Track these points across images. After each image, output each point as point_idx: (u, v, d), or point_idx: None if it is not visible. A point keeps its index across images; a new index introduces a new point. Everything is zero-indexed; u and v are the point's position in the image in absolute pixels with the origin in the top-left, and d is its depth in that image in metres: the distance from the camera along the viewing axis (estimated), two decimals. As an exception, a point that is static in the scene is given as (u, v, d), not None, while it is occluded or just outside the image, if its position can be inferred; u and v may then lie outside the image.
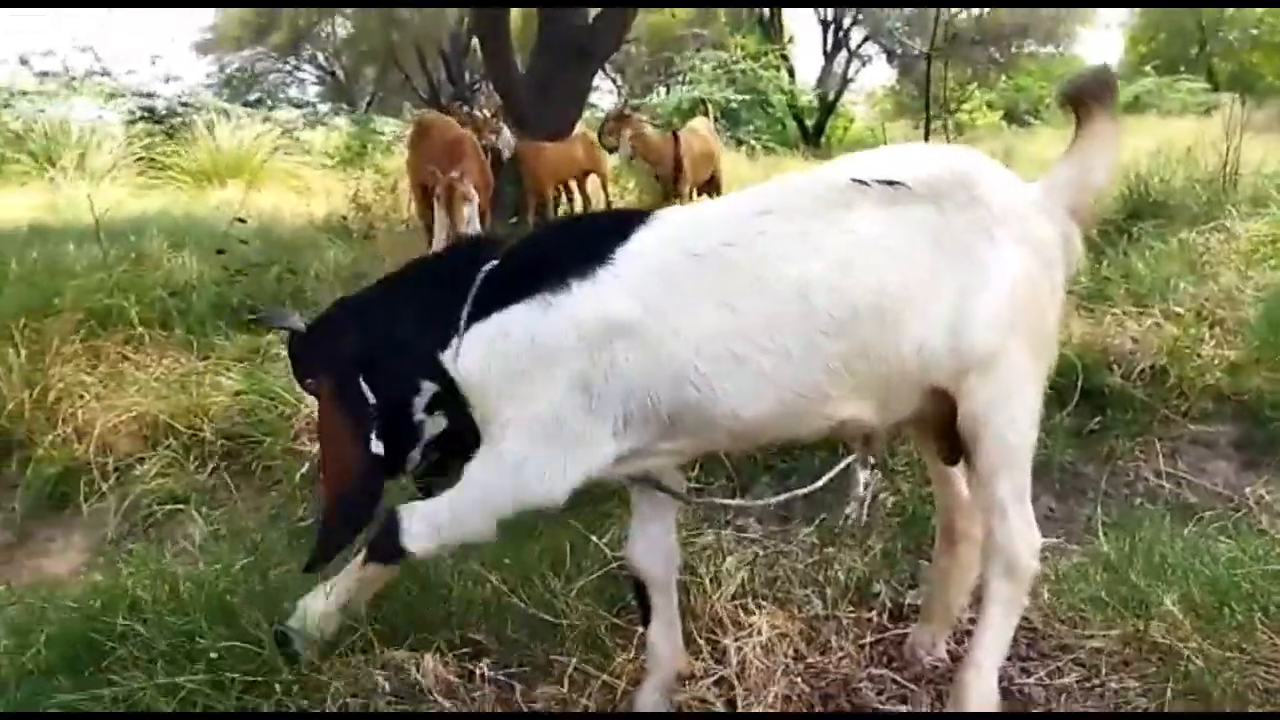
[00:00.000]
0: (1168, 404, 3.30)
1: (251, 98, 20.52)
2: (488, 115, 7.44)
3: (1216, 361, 3.42)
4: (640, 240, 1.79)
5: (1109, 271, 4.26)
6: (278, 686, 1.92)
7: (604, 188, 8.74)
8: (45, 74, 14.34)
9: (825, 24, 21.81)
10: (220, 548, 2.68)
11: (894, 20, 20.58)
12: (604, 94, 20.58)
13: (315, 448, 3.13)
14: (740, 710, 2.00)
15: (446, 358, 1.84)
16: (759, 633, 2.16)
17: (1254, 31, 21.47)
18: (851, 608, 2.34)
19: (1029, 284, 1.76)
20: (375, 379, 1.87)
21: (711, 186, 8.03)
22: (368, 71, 24.29)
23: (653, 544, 2.03)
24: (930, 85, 8.88)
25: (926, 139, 8.64)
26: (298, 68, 24.08)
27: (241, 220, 5.69)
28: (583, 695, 2.03)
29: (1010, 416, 1.78)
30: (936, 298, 1.73)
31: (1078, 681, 2.08)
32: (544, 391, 1.74)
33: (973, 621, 2.10)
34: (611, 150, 8.06)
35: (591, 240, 1.83)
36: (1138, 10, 23.85)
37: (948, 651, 2.17)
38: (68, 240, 5.69)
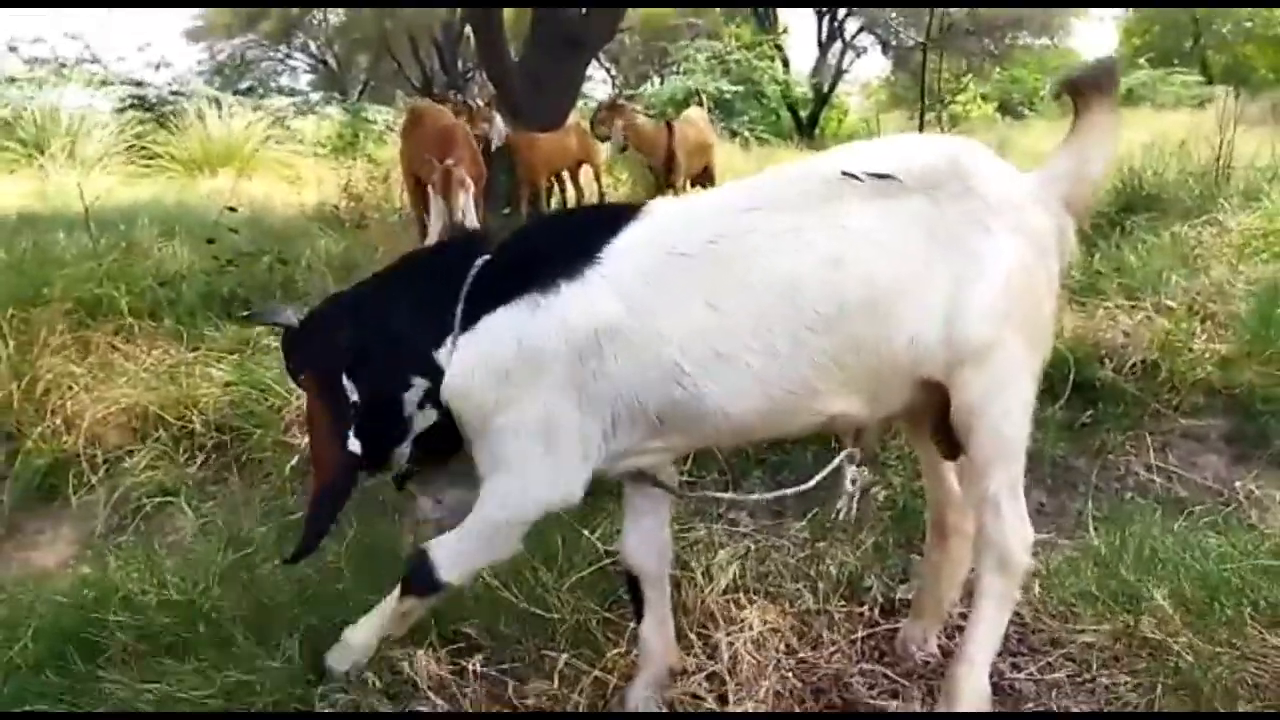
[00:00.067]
0: (1159, 398, 3.30)
1: (243, 86, 20.39)
2: (482, 104, 7.40)
3: (1208, 355, 3.42)
4: (628, 237, 1.78)
5: (1101, 265, 4.26)
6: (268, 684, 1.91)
7: (597, 178, 8.71)
8: (34, 61, 14.22)
9: (820, 14, 21.73)
10: (210, 541, 2.66)
11: (889, 11, 20.53)
12: (597, 84, 20.49)
13: (306, 441, 3.11)
14: (731, 705, 2.00)
15: (441, 356, 1.83)
16: (750, 627, 2.17)
17: (1248, 25, 21.44)
18: (843, 602, 2.34)
19: (1024, 275, 1.75)
20: (365, 375, 1.86)
21: (706, 177, 8.00)
22: (360, 60, 24.14)
23: (646, 538, 2.02)
24: (925, 76, 8.85)
25: (921, 130, 8.63)
26: (289, 55, 23.92)
27: (232, 209, 5.66)
28: (574, 691, 2.03)
29: (1005, 408, 1.77)
30: (929, 290, 1.72)
31: (1068, 677, 2.09)
32: (534, 394, 1.73)
33: (964, 616, 2.10)
34: (604, 140, 8.02)
35: (580, 237, 1.82)
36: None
37: (939, 646, 2.17)
38: (57, 229, 5.64)
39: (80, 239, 5.12)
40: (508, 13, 8.50)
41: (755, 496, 2.68)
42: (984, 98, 21.03)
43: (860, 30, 21.92)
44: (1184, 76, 19.41)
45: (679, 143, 7.71)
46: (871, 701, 2.05)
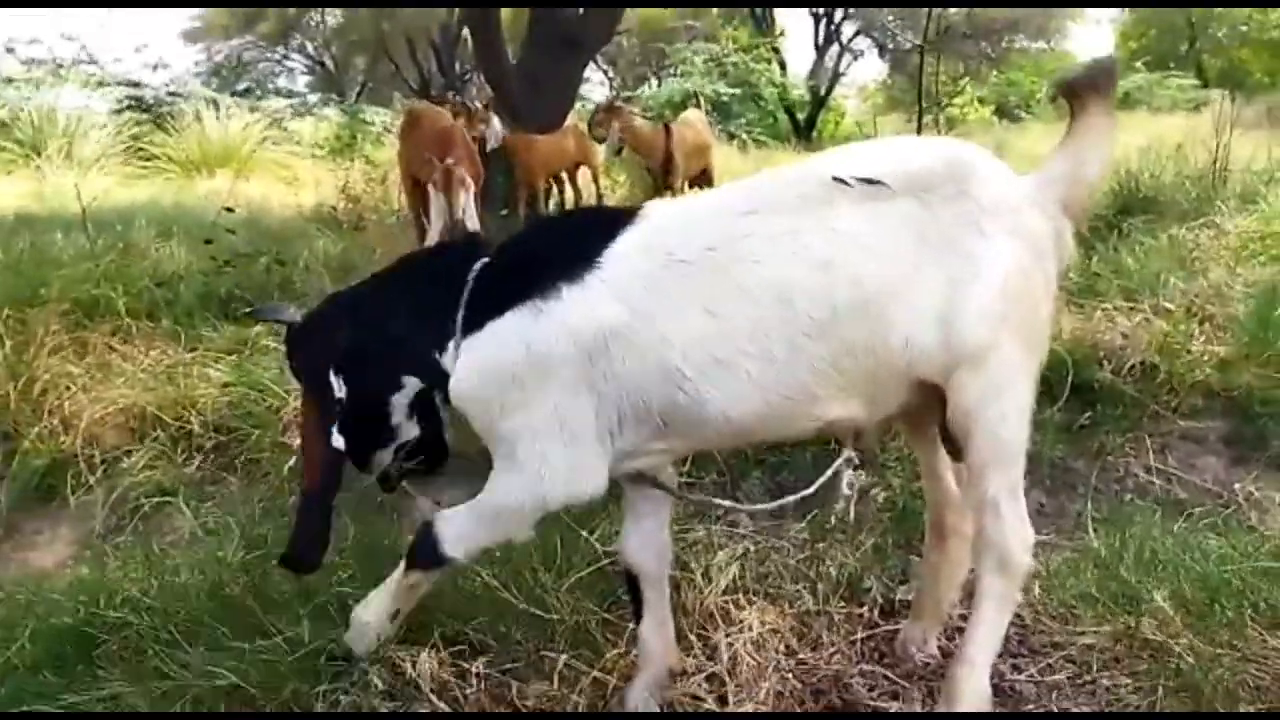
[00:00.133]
0: (1157, 400, 3.31)
1: (240, 87, 20.38)
2: (480, 106, 7.40)
3: (1206, 357, 3.43)
4: (627, 241, 1.78)
5: (1099, 267, 4.27)
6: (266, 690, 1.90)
7: (595, 180, 8.72)
8: (32, 61, 14.21)
9: (817, 17, 21.76)
10: (209, 541, 2.66)
11: (886, 14, 20.57)
12: (595, 86, 20.53)
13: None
14: (731, 706, 1.99)
15: (446, 361, 1.84)
16: (750, 628, 2.16)
17: (1243, 28, 21.53)
18: (843, 603, 2.34)
19: (1021, 276, 1.75)
20: (356, 373, 1.87)
21: (704, 179, 8.00)
22: (358, 61, 24.14)
23: (646, 539, 2.02)
24: (923, 79, 8.87)
25: (919, 133, 8.64)
26: (286, 57, 23.93)
27: (230, 210, 5.66)
28: (574, 691, 2.03)
29: (1002, 411, 1.77)
30: (921, 292, 1.71)
31: (1069, 678, 2.09)
32: (545, 396, 1.74)
33: (964, 617, 2.10)
34: (601, 141, 8.03)
35: (579, 241, 1.82)
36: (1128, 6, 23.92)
37: (939, 648, 2.17)
38: (54, 229, 5.64)
39: (77, 240, 5.12)
40: (505, 14, 8.49)
41: (758, 507, 2.67)
42: (981, 101, 21.08)
43: (857, 33, 21.97)
44: (1180, 80, 19.48)
45: (677, 145, 7.71)
46: (871, 703, 2.05)
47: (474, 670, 2.05)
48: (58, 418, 3.41)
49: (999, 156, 1.90)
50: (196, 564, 2.37)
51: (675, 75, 18.64)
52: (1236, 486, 2.97)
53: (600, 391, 1.74)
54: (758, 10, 21.52)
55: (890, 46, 21.77)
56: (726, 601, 2.29)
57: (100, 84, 13.98)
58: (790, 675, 2.08)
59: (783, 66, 20.55)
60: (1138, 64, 20.61)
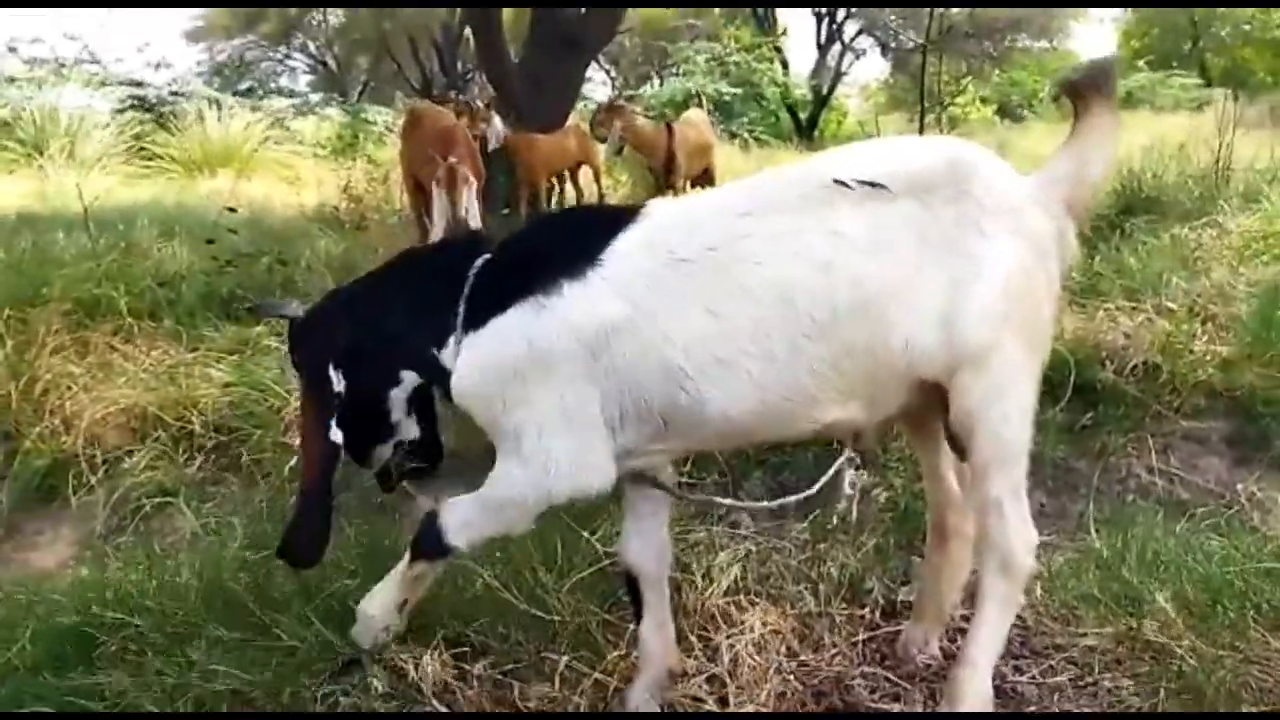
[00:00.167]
0: (1160, 400, 3.30)
1: (242, 87, 20.39)
2: (482, 105, 7.40)
3: (1209, 357, 3.42)
4: (629, 239, 1.78)
5: (1101, 266, 4.26)
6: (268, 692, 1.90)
7: (596, 180, 8.71)
8: (34, 61, 14.22)
9: (819, 17, 21.74)
10: (210, 541, 2.66)
11: (888, 14, 20.55)
12: (597, 85, 20.50)
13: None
14: (732, 708, 1.99)
15: (445, 357, 1.84)
16: (751, 630, 2.16)
17: (1246, 28, 21.49)
18: (844, 604, 2.34)
19: (1023, 277, 1.75)
20: (355, 367, 1.87)
21: (706, 179, 8.00)
22: (360, 61, 24.15)
23: (646, 540, 2.02)
24: (925, 79, 8.85)
25: (921, 133, 8.63)
26: (289, 56, 23.93)
27: (232, 210, 5.66)
28: (575, 693, 2.02)
29: (1004, 412, 1.76)
30: (921, 292, 1.71)
31: (1071, 680, 2.08)
32: (548, 392, 1.74)
33: (966, 619, 2.10)
34: (604, 141, 8.03)
35: (581, 238, 1.82)
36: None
37: (941, 649, 2.16)
38: (56, 229, 5.64)
39: (79, 239, 5.12)
40: (507, 14, 8.50)
41: (759, 505, 2.67)
42: (983, 100, 21.04)
43: (859, 33, 21.94)
44: (1183, 79, 19.44)
45: (679, 144, 7.71)
46: (873, 705, 2.04)
47: (475, 672, 2.05)
48: (59, 418, 3.41)
49: (1001, 156, 1.90)
50: (197, 564, 2.37)
51: (677, 75, 18.64)
52: (1239, 487, 2.97)
53: (602, 387, 1.74)
54: (760, 10, 21.50)
55: (892, 46, 21.74)
56: (728, 603, 2.28)
57: (103, 83, 13.99)
58: (791, 677, 2.08)
59: (785, 66, 20.52)
60: (1140, 63, 20.59)
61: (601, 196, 8.61)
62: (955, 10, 17.54)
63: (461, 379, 1.81)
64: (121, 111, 12.93)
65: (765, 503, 2.51)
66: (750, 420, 1.76)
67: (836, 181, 1.74)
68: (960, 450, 1.89)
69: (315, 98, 19.13)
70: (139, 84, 14.59)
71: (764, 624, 2.19)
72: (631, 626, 2.09)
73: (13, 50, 14.26)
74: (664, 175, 7.79)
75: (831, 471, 2.45)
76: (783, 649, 2.15)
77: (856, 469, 2.88)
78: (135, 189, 9.30)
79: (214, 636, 1.99)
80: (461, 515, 1.83)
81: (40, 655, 2.09)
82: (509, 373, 1.75)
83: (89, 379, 3.61)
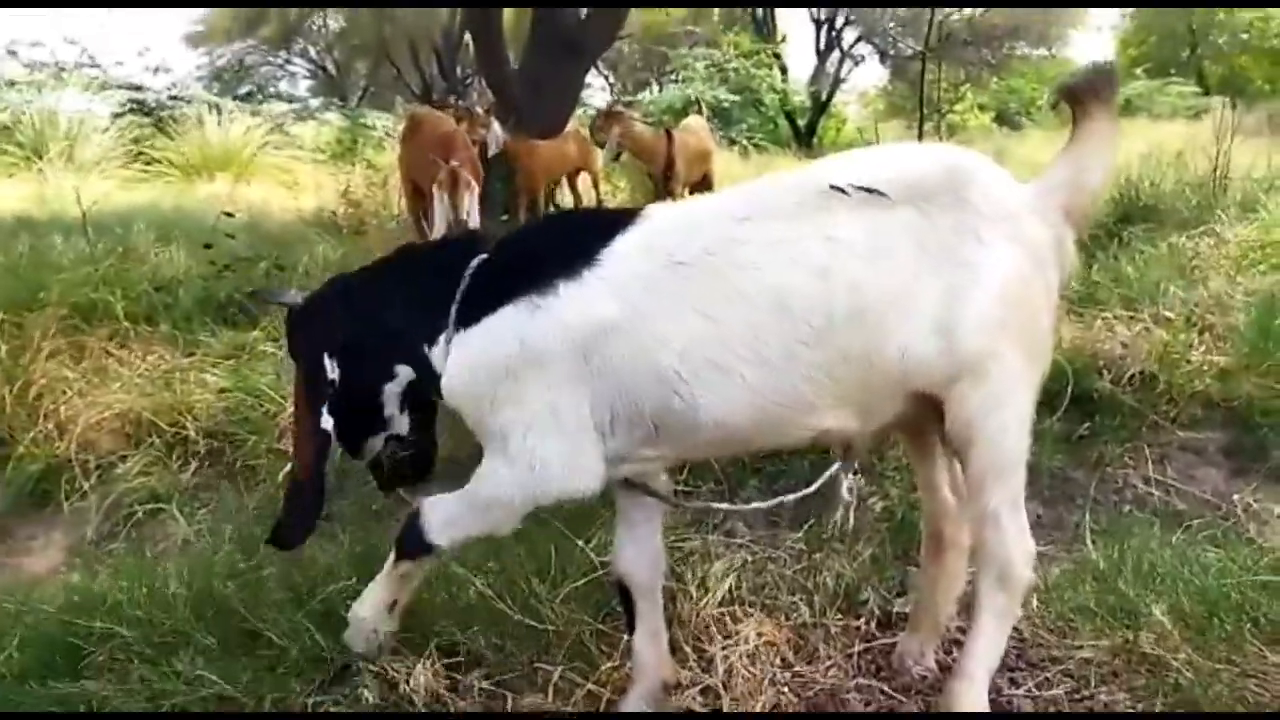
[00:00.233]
0: (1157, 410, 3.29)
1: (242, 91, 20.38)
2: (482, 111, 7.40)
3: (1206, 367, 3.41)
4: (626, 241, 1.78)
5: (1099, 275, 4.25)
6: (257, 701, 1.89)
7: (595, 185, 8.71)
8: (34, 64, 14.21)
9: (818, 23, 21.80)
10: (201, 548, 2.64)
11: (887, 21, 20.61)
12: (596, 91, 20.55)
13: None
14: None
15: (435, 354, 1.83)
16: (746, 641, 2.15)
17: (1244, 36, 21.55)
18: (839, 615, 2.32)
19: (1020, 284, 1.74)
20: (350, 358, 1.88)
21: (705, 185, 7.99)
22: (359, 66, 24.19)
23: (639, 549, 2.01)
24: (924, 86, 8.86)
25: (920, 140, 8.63)
26: (289, 61, 23.95)
27: (230, 214, 5.64)
28: (568, 704, 2.01)
29: (1002, 422, 1.75)
30: (919, 300, 1.70)
31: (1067, 693, 2.07)
32: (538, 392, 1.73)
33: (962, 631, 2.08)
34: (604, 147, 8.03)
35: (579, 239, 1.82)
36: (1129, 13, 23.95)
37: (936, 661, 2.15)
38: (54, 233, 5.64)
39: (77, 243, 5.11)
40: (507, 19, 8.50)
41: (751, 506, 2.66)
42: (981, 107, 21.07)
43: (858, 40, 22.01)
44: (1180, 87, 19.47)
45: (678, 150, 7.72)
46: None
47: (467, 682, 2.03)
48: (53, 422, 3.41)
49: (999, 164, 1.89)
50: (185, 572, 2.36)
51: (676, 81, 18.66)
52: (1236, 498, 2.95)
53: (593, 389, 1.73)
54: (759, 16, 21.55)
55: (891, 53, 21.81)
56: (722, 613, 2.27)
57: (103, 86, 13.98)
58: (786, 689, 2.07)
59: (784, 72, 20.56)
60: (1138, 71, 20.62)
61: (600, 202, 8.61)
62: (954, 18, 17.60)
63: (452, 377, 1.81)
64: (121, 115, 12.94)
65: (760, 503, 2.50)
66: (743, 426, 1.75)
67: (834, 188, 1.73)
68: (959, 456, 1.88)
69: (315, 102, 19.11)
70: (138, 88, 14.58)
71: (759, 635, 2.18)
72: (625, 637, 2.07)
73: (12, 54, 14.26)
74: (663, 181, 7.79)
75: (829, 473, 2.44)
76: (777, 660, 2.14)
77: (855, 474, 2.86)
78: (134, 193, 9.30)
79: (202, 645, 1.98)
80: (445, 513, 1.82)
81: (28, 663, 2.08)
82: (500, 371, 1.75)
83: (84, 384, 3.61)
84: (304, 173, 11.28)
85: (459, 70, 20.60)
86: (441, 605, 2.26)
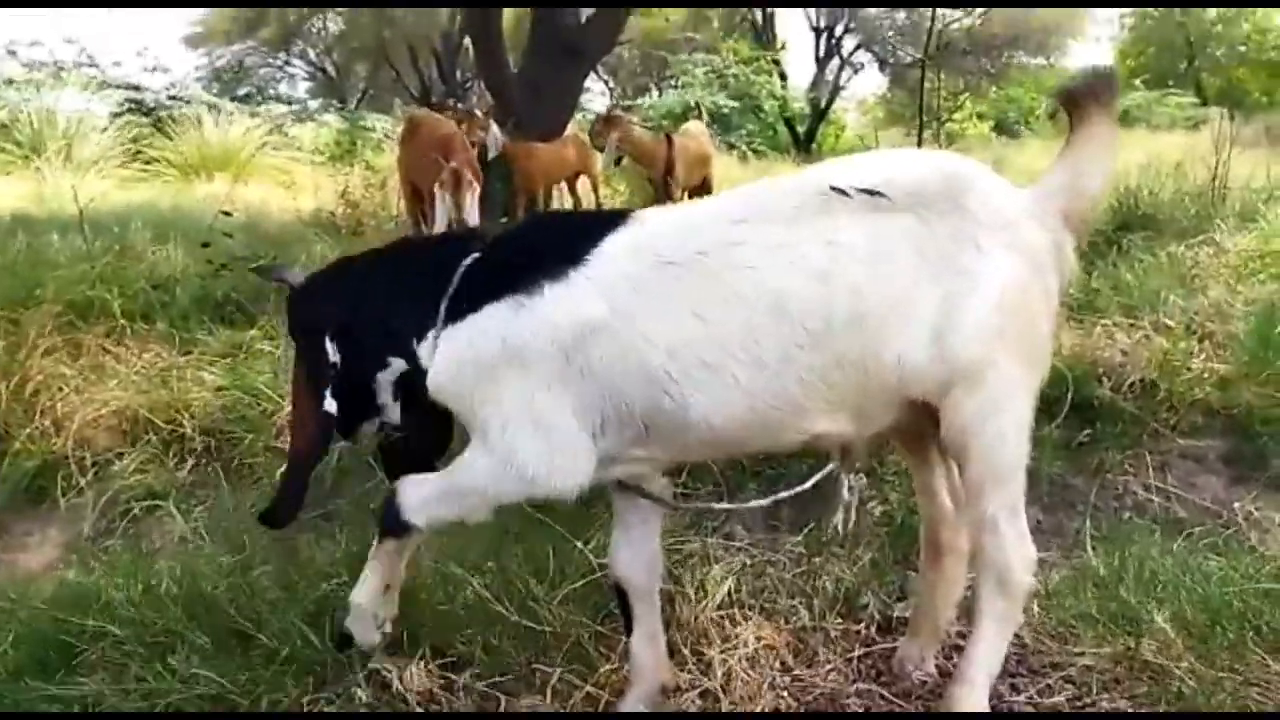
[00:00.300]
0: (1157, 417, 3.28)
1: (241, 92, 20.38)
2: (481, 114, 7.41)
3: (1206, 376, 3.40)
4: (615, 242, 1.77)
5: (1098, 283, 4.25)
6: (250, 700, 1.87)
7: (594, 189, 8.71)
8: (33, 64, 14.19)
9: (818, 31, 21.85)
10: (196, 546, 2.63)
11: (886, 28, 20.67)
12: (595, 96, 20.57)
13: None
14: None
15: (423, 351, 1.83)
16: (745, 644, 2.14)
17: (1241, 48, 21.64)
18: (839, 619, 2.31)
19: (1019, 292, 1.73)
20: (347, 344, 1.88)
21: (704, 190, 8.00)
22: (359, 68, 24.19)
23: (635, 551, 2.00)
24: (924, 94, 8.87)
25: (919, 148, 8.64)
26: (288, 63, 23.94)
27: (228, 214, 5.63)
28: (565, 706, 2.00)
29: (1000, 429, 1.74)
30: (917, 307, 1.70)
31: (1068, 700, 2.06)
32: (518, 391, 1.72)
33: (963, 636, 2.07)
34: (603, 151, 8.04)
35: (568, 240, 1.82)
36: (1127, 25, 24.05)
37: (937, 667, 2.14)
38: (52, 231, 5.61)
39: (74, 241, 5.10)
40: (507, 22, 8.51)
41: (748, 505, 2.65)
42: (980, 116, 21.13)
43: (858, 47, 22.04)
44: (1179, 98, 19.54)
45: (678, 155, 7.73)
46: (867, 722, 2.02)
47: (462, 683, 2.02)
48: (49, 419, 3.39)
49: (998, 172, 1.88)
50: (181, 570, 2.34)
51: (676, 86, 18.68)
52: (1236, 506, 2.95)
53: (577, 390, 1.72)
54: (758, 23, 21.60)
55: (890, 61, 21.84)
56: (721, 616, 2.26)
57: (102, 85, 13.97)
58: (785, 693, 2.06)
59: (783, 79, 20.59)
60: (1137, 82, 20.69)
61: (599, 206, 8.60)
62: (954, 26, 17.66)
63: (437, 373, 1.81)
64: (119, 115, 12.91)
65: (759, 500, 2.48)
66: (735, 427, 1.74)
67: (834, 189, 1.73)
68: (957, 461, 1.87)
69: (314, 104, 19.13)
70: (137, 88, 14.57)
71: (758, 638, 2.17)
72: (624, 639, 2.06)
73: (12, 53, 14.24)
74: (663, 186, 7.79)
75: (826, 471, 2.43)
76: (777, 664, 2.13)
77: (855, 473, 2.85)
78: (131, 192, 9.28)
79: (196, 643, 1.96)
80: (421, 494, 1.82)
81: (23, 660, 2.06)
82: (483, 369, 1.74)
83: (80, 381, 3.59)
84: (302, 174, 11.26)
85: (458, 73, 20.61)
86: (438, 606, 2.24)
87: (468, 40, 13.70)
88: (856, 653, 2.21)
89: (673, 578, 2.31)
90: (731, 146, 15.61)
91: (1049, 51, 21.37)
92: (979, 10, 19.10)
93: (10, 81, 13.15)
